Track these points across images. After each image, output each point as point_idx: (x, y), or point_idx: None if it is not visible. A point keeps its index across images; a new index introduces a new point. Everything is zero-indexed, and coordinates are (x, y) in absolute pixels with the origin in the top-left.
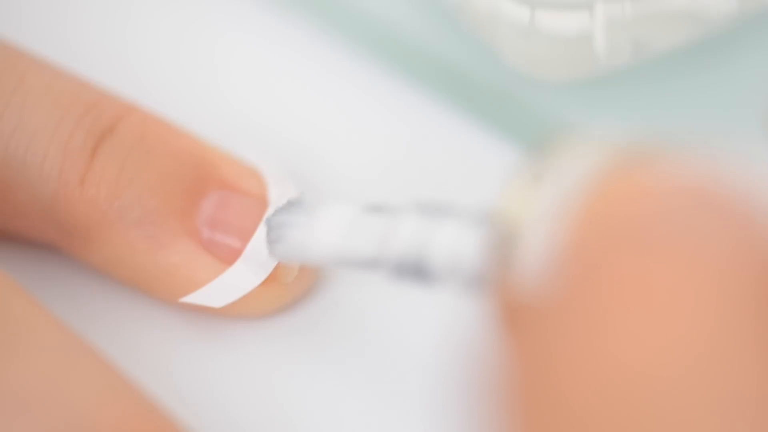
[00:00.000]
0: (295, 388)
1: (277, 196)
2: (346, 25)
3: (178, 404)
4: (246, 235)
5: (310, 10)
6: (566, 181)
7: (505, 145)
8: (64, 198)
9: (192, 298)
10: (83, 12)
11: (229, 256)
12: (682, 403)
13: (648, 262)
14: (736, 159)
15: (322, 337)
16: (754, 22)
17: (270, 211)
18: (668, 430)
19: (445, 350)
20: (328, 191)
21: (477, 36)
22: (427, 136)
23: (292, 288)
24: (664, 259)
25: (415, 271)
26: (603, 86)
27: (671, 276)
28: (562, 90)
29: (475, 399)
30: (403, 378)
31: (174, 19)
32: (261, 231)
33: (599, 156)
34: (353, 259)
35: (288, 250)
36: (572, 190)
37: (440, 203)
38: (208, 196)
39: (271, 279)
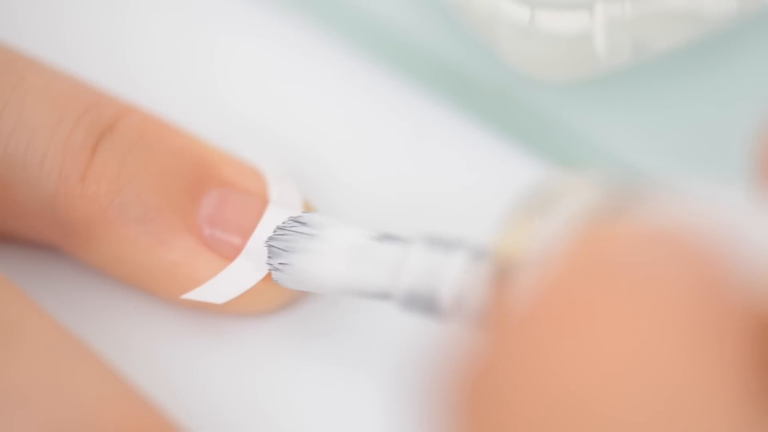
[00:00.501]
0: (294, 387)
1: (277, 195)
2: (346, 25)
3: (176, 402)
4: (246, 232)
5: (310, 10)
6: (557, 223)
7: (504, 144)
8: (65, 196)
9: (193, 295)
10: (82, 13)
11: (229, 253)
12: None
13: (609, 296)
14: (708, 204)
15: (320, 336)
16: (754, 22)
17: (269, 224)
18: None
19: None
20: (327, 191)
21: (477, 36)
22: (427, 135)
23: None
24: (624, 293)
25: (423, 303)
26: (603, 86)
27: (629, 308)
28: (562, 90)
29: (438, 397)
30: (402, 377)
31: (174, 19)
32: (261, 227)
33: (588, 198)
34: (361, 290)
35: (293, 278)
36: (561, 233)
37: (445, 235)
38: (208, 193)
39: (270, 276)
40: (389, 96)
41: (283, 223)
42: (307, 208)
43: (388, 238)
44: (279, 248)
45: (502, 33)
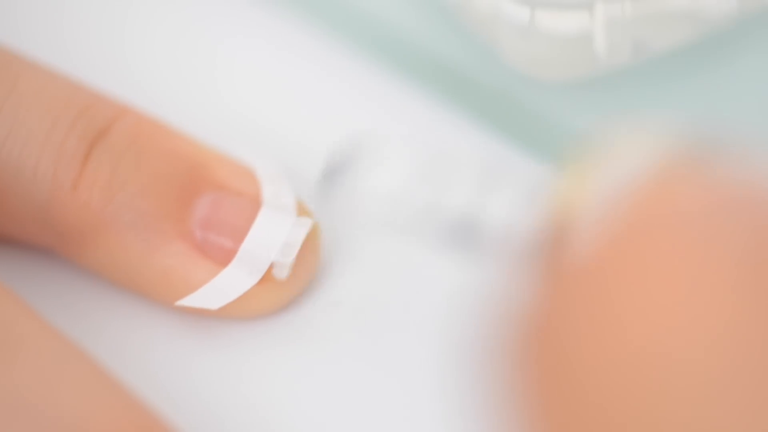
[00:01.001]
0: (291, 390)
1: (271, 196)
2: (345, 25)
3: (172, 405)
4: (240, 235)
5: (309, 10)
6: (621, 173)
7: (504, 144)
8: (58, 202)
9: (187, 301)
10: (79, 12)
11: (223, 257)
12: (689, 380)
13: (672, 251)
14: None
15: (318, 339)
16: (754, 22)
17: (262, 227)
18: (673, 408)
19: (443, 351)
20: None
21: (477, 36)
22: (427, 136)
23: (287, 287)
24: (688, 250)
25: (466, 235)
26: (603, 86)
27: (692, 265)
28: (562, 90)
29: (481, 372)
30: (400, 379)
31: (171, 18)
32: (254, 231)
33: (653, 153)
34: (408, 213)
35: (345, 195)
36: (625, 184)
37: (499, 167)
38: (201, 197)
39: (266, 278)
40: (389, 96)
41: (341, 149)
42: (302, 209)
43: (437, 164)
44: (333, 168)
45: (502, 33)
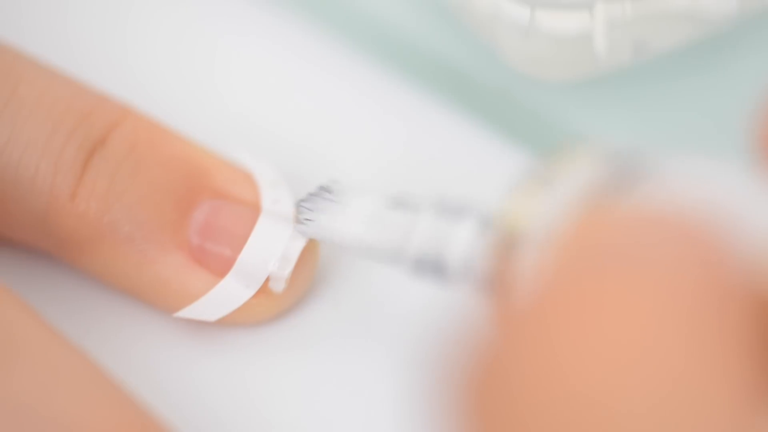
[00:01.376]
0: (290, 394)
1: (270, 202)
2: (345, 25)
3: (172, 409)
4: (238, 244)
5: (309, 10)
6: (559, 199)
7: (504, 144)
8: (56, 212)
9: (183, 313)
10: (81, 12)
11: (220, 266)
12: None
13: (611, 287)
14: (707, 185)
15: (316, 344)
16: (754, 22)
17: (260, 236)
18: None
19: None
20: None
21: (477, 36)
22: (427, 136)
23: (283, 298)
24: (624, 283)
25: (432, 268)
26: (603, 86)
27: (630, 299)
28: (562, 90)
29: (443, 388)
30: (396, 385)
31: (172, 20)
32: (252, 240)
33: (591, 173)
34: (375, 251)
35: (315, 232)
36: (563, 211)
37: (456, 201)
38: (199, 205)
39: (262, 291)
40: (389, 96)
41: (313, 190)
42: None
43: (401, 203)
44: (306, 208)
45: (502, 33)
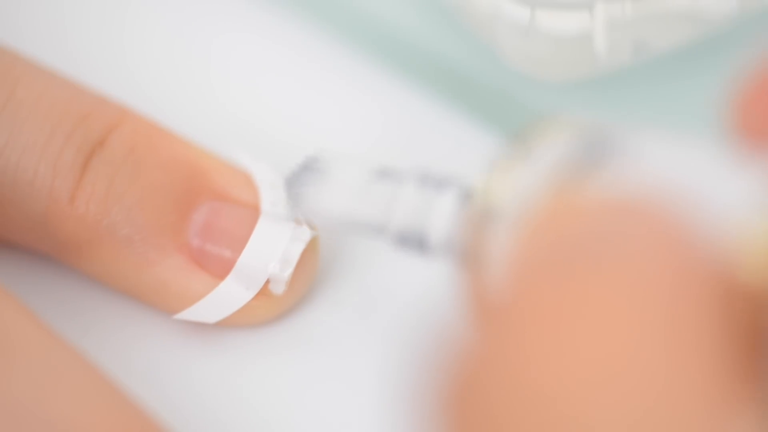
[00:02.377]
0: (289, 395)
1: (269, 204)
2: (345, 24)
3: (171, 410)
4: (238, 245)
5: (309, 10)
6: (533, 175)
7: (504, 144)
8: (54, 215)
9: (183, 316)
10: (80, 14)
11: (220, 268)
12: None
13: (585, 283)
14: (676, 164)
15: (316, 344)
16: (754, 22)
17: (260, 238)
18: None
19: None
20: None
21: (477, 36)
22: (427, 136)
23: (283, 299)
24: (599, 279)
25: (414, 240)
26: (603, 86)
27: (600, 298)
28: (562, 90)
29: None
30: (396, 384)
31: (171, 19)
32: (252, 242)
33: (565, 148)
34: (359, 224)
35: (303, 209)
36: (534, 189)
37: (439, 173)
38: (198, 207)
39: (262, 293)
40: (389, 96)
41: (299, 162)
42: (298, 220)
43: (386, 174)
44: (290, 180)
45: (502, 33)
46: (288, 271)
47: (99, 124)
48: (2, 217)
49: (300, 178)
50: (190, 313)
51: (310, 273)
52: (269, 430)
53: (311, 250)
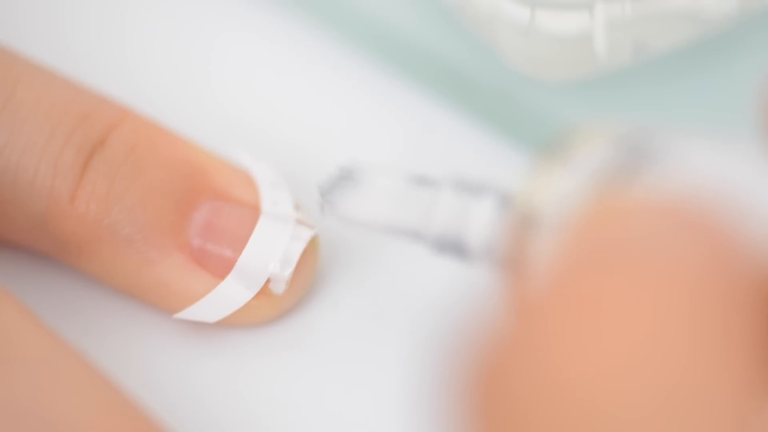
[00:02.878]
0: (290, 395)
1: (269, 204)
2: (345, 25)
3: (171, 411)
4: (238, 245)
5: (309, 10)
6: (574, 181)
7: (504, 144)
8: (55, 215)
9: (184, 315)
10: (80, 14)
11: (221, 268)
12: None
13: (617, 281)
14: (718, 170)
15: (315, 343)
16: (754, 22)
17: (261, 237)
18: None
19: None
20: None
21: (477, 36)
22: (427, 136)
23: (282, 300)
24: (629, 280)
25: (453, 246)
26: (603, 86)
27: (634, 297)
28: (562, 90)
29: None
30: (396, 383)
31: (171, 19)
32: (252, 242)
33: (606, 153)
34: (398, 230)
35: (339, 215)
36: (576, 194)
37: (476, 179)
38: (199, 207)
39: (262, 292)
40: (389, 96)
41: (335, 172)
42: (299, 219)
43: (422, 181)
44: (328, 191)
45: (502, 33)
46: (288, 271)
47: (99, 124)
48: (3, 216)
49: (336, 186)
50: (191, 313)
51: (310, 272)
52: (269, 429)
53: (312, 249)
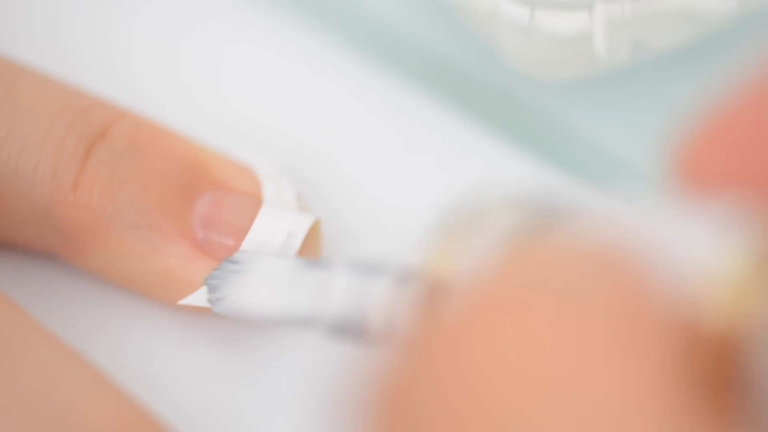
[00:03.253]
0: (289, 391)
1: (271, 194)
2: (345, 24)
3: (172, 407)
4: (241, 234)
5: (309, 9)
6: (483, 243)
7: (504, 145)
8: (58, 204)
9: (189, 300)
10: (77, 16)
11: (224, 255)
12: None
13: (533, 316)
14: (628, 219)
15: (318, 338)
16: (754, 22)
17: (264, 225)
18: None
19: None
20: (326, 191)
21: (477, 36)
22: (426, 135)
23: None
24: (547, 313)
25: (350, 330)
26: (603, 86)
27: (552, 329)
28: (562, 90)
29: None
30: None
31: (169, 18)
32: (256, 228)
33: (513, 217)
34: (289, 318)
35: (229, 310)
36: (487, 253)
37: (369, 258)
38: (201, 196)
39: None
40: (388, 96)
41: (219, 265)
42: (303, 206)
43: (312, 265)
44: (213, 283)
45: (502, 33)
46: (292, 253)
47: (99, 117)
48: (5, 211)
49: (219, 279)
50: (195, 299)
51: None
52: (269, 425)
53: (314, 236)
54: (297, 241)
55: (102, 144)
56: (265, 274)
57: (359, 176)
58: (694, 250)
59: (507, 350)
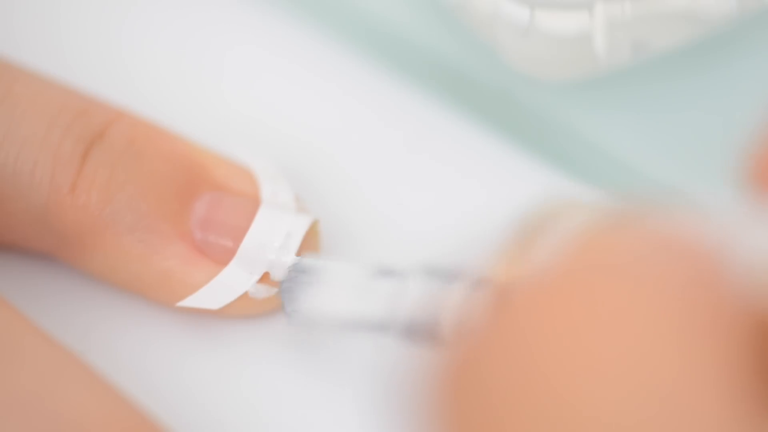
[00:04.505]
0: (290, 390)
1: (269, 195)
2: (344, 24)
3: (170, 408)
4: (239, 235)
5: (308, 10)
6: (554, 241)
7: (504, 145)
8: (56, 205)
9: (187, 302)
10: (75, 16)
11: (223, 257)
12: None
13: (603, 297)
14: (703, 212)
15: (316, 337)
16: (754, 22)
17: (262, 225)
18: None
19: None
20: (325, 191)
21: (477, 36)
22: (426, 135)
23: None
24: (617, 294)
25: (424, 333)
26: (603, 86)
27: (622, 309)
28: (562, 90)
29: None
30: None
31: (167, 19)
32: (254, 229)
33: (585, 217)
34: (365, 325)
35: (305, 321)
36: (558, 247)
37: (443, 264)
38: (199, 197)
39: (263, 279)
40: (388, 96)
41: (287, 274)
42: (301, 207)
43: (386, 272)
44: (288, 295)
45: (502, 33)
46: (289, 257)
47: (98, 118)
48: (4, 213)
49: (294, 289)
50: (194, 300)
51: None
52: (269, 424)
53: (312, 236)
54: (295, 242)
55: (100, 145)
56: (338, 283)
57: (358, 176)
58: (763, 246)
59: (574, 328)
